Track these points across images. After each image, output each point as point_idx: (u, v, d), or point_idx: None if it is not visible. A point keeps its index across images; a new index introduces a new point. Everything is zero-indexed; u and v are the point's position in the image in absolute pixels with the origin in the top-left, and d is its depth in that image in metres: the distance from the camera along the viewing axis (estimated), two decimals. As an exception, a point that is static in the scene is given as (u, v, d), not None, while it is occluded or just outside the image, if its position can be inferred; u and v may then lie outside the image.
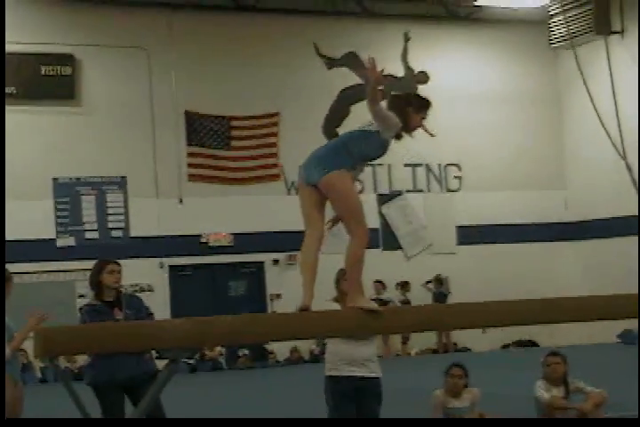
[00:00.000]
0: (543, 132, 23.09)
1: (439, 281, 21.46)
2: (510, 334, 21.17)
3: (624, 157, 20.71)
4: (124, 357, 7.79)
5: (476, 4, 21.47)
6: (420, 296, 21.13)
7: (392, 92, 5.91)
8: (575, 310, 5.78)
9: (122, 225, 19.96)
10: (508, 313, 5.62)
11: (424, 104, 5.90)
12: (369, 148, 5.72)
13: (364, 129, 5.75)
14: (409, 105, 5.84)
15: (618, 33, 21.15)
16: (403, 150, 21.54)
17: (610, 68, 20.93)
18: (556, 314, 5.72)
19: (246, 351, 19.78)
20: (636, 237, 20.83)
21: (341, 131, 21.58)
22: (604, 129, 20.84)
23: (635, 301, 5.77)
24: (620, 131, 20.77)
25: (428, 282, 21.54)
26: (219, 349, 19.61)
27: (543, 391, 8.95)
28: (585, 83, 21.10)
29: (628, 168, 20.57)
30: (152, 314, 8.31)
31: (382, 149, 5.77)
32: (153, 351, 7.72)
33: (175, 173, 20.32)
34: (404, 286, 21.26)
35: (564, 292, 18.73)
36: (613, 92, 20.97)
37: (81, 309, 8.26)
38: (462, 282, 21.26)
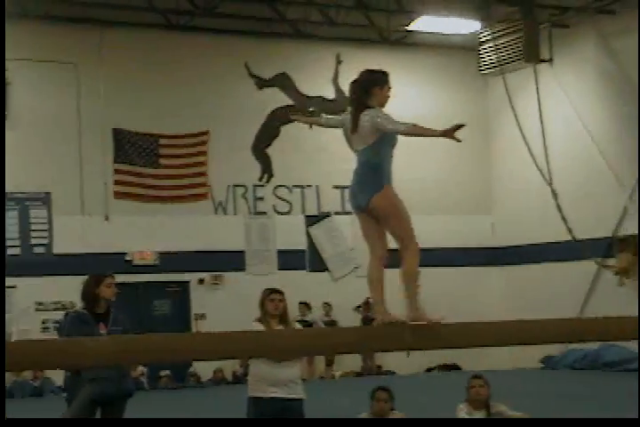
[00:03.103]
0: (472, 157, 23.28)
1: (367, 305, 21.42)
2: (434, 357, 21.25)
3: (550, 184, 20.94)
4: (108, 373, 7.92)
5: (408, 28, 21.60)
6: (347, 318, 21.10)
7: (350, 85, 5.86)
8: (498, 334, 5.78)
9: (45, 242, 19.69)
10: (433, 336, 5.60)
11: (385, 76, 5.89)
12: (390, 151, 5.96)
13: (376, 142, 5.79)
14: (374, 84, 5.81)
15: (547, 61, 21.42)
16: (332, 172, 21.77)
17: (538, 96, 21.18)
18: (480, 338, 5.72)
19: (168, 372, 19.59)
20: (561, 263, 21.10)
21: (271, 151, 21.62)
22: (531, 155, 21.07)
23: (552, 326, 5.81)
24: (547, 157, 21.01)
25: (359, 307, 21.49)
26: (141, 368, 19.39)
27: (465, 415, 8.94)
28: (513, 110, 21.32)
29: (554, 194, 20.80)
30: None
31: (394, 140, 5.95)
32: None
33: (101, 190, 20.11)
34: (325, 307, 21.22)
35: (488, 316, 18.85)
36: (541, 119, 21.21)
37: (67, 314, 8.38)
38: (388, 305, 21.21)
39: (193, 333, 17.88)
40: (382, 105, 5.84)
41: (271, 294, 8.19)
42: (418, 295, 5.72)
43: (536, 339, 5.90)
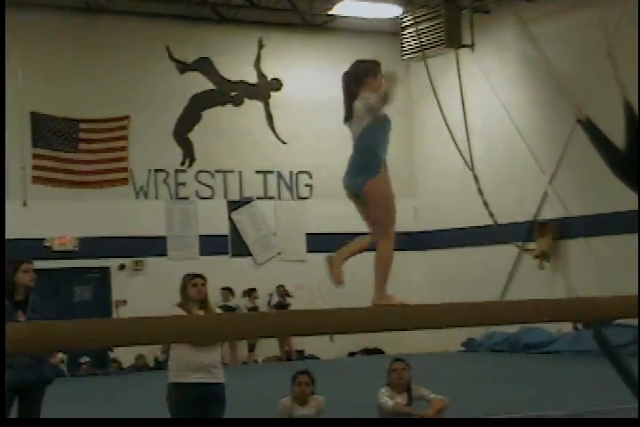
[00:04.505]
0: (394, 142, 22.54)
1: (279, 291, 21.34)
2: (357, 341, 21.32)
3: (472, 168, 21.09)
4: (27, 360, 7.89)
5: (330, 13, 21.56)
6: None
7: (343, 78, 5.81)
8: (420, 318, 5.80)
9: (-38, 227, 19.32)
10: (354, 320, 5.59)
11: (377, 66, 5.88)
12: (385, 137, 5.98)
13: (370, 128, 5.83)
14: (366, 75, 5.78)
15: (468, 46, 21.53)
16: (254, 157, 21.70)
17: (460, 81, 21.30)
18: (401, 322, 5.73)
19: (88, 359, 19.37)
20: (482, 247, 21.30)
21: (193, 136, 21.47)
22: (453, 140, 21.20)
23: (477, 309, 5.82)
24: (469, 142, 21.16)
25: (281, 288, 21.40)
26: (60, 355, 19.14)
27: (387, 398, 8.97)
28: (435, 95, 21.42)
29: (476, 179, 20.96)
30: None
31: (388, 125, 5.98)
32: None
33: (19, 175, 19.76)
34: (250, 293, 21.15)
35: (410, 300, 18.93)
36: (463, 104, 21.34)
37: None
38: (311, 289, 21.28)
39: (112, 318, 17.71)
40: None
41: (193, 279, 8.13)
42: (386, 281, 5.86)
43: (457, 322, 5.92)
